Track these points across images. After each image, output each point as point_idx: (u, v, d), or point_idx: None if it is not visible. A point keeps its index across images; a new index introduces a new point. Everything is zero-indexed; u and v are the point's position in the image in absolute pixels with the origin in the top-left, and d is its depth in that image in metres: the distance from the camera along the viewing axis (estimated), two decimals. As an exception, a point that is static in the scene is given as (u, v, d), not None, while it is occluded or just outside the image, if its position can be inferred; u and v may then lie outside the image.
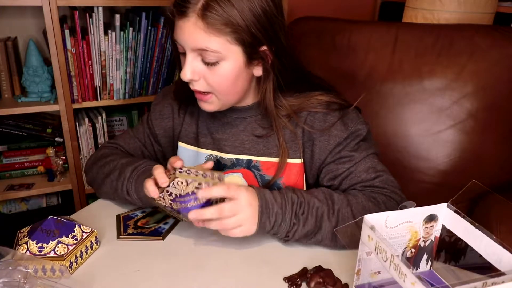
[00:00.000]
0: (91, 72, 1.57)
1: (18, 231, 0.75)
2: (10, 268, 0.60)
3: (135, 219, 0.86)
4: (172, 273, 0.71)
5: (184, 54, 0.78)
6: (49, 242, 0.70)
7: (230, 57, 0.76)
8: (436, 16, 1.35)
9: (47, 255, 0.69)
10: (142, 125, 1.01)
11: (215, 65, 0.77)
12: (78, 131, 1.63)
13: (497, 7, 1.40)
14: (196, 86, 0.80)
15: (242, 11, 0.73)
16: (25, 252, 0.69)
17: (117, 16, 1.52)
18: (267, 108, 0.85)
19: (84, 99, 1.60)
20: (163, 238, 0.81)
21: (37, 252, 0.69)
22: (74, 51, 1.51)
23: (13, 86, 1.62)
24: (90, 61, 1.55)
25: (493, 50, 1.12)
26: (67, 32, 1.47)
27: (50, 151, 1.63)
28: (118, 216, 0.87)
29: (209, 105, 0.84)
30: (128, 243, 0.79)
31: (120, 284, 0.69)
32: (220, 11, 0.72)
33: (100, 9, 1.49)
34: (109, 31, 1.53)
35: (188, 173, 0.73)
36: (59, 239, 0.71)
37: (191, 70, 0.78)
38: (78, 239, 0.73)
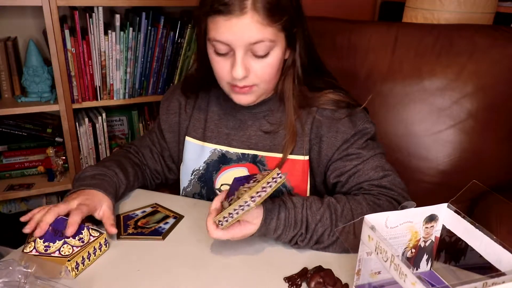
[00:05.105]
0: (91, 72, 1.57)
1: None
2: (10, 268, 0.60)
3: (135, 219, 0.86)
4: (172, 273, 0.71)
5: (224, 54, 0.78)
6: (55, 242, 0.71)
7: (278, 45, 0.79)
8: (436, 16, 1.35)
9: (52, 255, 0.69)
10: (155, 123, 1.04)
11: (264, 57, 0.78)
12: (78, 131, 1.63)
13: (497, 7, 1.40)
14: (245, 82, 0.80)
15: None
16: (32, 250, 0.69)
17: (117, 16, 1.52)
18: (283, 94, 0.86)
19: (84, 99, 1.60)
20: (163, 238, 0.81)
21: (43, 251, 0.69)
22: (74, 51, 1.51)
23: (13, 86, 1.62)
24: (90, 61, 1.55)
25: (493, 50, 1.11)
26: (67, 32, 1.47)
27: (50, 151, 1.63)
28: (118, 216, 0.87)
29: (249, 96, 0.84)
30: (128, 243, 0.79)
31: (120, 284, 0.69)
32: None
33: (100, 9, 1.49)
34: (109, 31, 1.53)
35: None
36: (65, 239, 0.71)
37: (244, 67, 0.78)
38: (85, 241, 0.73)
